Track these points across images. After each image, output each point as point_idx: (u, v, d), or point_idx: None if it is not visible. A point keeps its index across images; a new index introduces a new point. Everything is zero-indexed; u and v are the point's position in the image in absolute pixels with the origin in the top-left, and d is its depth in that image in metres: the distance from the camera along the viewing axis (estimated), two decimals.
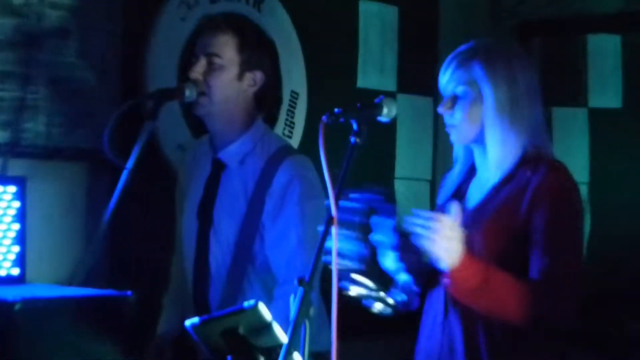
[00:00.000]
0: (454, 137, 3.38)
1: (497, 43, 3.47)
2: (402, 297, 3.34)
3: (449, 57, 3.38)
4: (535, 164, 3.31)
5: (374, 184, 3.51)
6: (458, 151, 3.49)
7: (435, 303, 3.39)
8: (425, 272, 3.33)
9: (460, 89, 3.32)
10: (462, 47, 3.39)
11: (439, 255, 3.14)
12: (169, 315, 3.92)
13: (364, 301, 3.30)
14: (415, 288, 3.35)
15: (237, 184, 3.76)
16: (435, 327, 3.39)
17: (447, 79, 3.35)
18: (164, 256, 4.02)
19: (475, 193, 3.43)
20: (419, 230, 3.14)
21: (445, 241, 3.12)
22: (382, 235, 3.25)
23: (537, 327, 3.28)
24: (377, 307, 3.30)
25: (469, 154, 3.46)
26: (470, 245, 3.20)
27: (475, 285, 3.17)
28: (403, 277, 3.34)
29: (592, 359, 4.08)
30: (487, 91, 3.27)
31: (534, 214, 3.25)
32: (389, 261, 3.29)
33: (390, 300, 3.31)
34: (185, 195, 3.91)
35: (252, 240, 3.70)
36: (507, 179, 3.33)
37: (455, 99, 3.33)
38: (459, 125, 3.33)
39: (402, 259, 3.27)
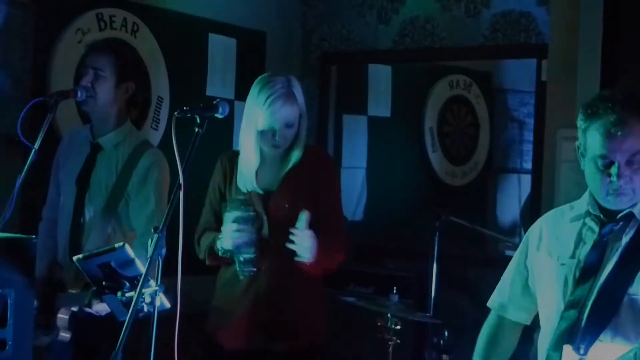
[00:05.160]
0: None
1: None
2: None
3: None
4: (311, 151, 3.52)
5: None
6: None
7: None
8: None
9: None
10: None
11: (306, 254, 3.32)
12: (43, 260, 3.65)
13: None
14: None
15: (111, 162, 3.68)
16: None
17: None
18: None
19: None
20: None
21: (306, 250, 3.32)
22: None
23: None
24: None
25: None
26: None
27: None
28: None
29: (363, 290, 4.15)
30: None
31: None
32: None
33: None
34: (62, 168, 3.77)
35: (118, 203, 3.63)
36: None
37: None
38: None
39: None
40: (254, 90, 3.47)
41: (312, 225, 3.36)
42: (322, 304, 3.60)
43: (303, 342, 3.49)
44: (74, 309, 3.48)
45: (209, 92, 5.09)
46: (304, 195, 3.44)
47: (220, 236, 3.44)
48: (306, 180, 3.46)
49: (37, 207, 3.88)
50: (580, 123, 2.61)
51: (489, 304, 2.94)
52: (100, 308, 3.37)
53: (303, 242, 3.32)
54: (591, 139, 2.56)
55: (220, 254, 3.45)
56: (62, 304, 3.55)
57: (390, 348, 4.00)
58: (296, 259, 3.36)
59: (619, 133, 2.50)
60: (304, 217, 3.32)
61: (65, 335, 3.51)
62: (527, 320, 2.89)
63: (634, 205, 2.60)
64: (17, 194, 3.52)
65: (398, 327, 3.98)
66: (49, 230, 3.77)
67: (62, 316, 3.51)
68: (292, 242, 3.37)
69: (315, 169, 3.47)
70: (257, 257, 3.40)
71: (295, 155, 3.47)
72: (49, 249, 3.73)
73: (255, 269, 3.42)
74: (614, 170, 2.53)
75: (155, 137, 4.66)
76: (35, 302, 3.43)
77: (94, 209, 3.67)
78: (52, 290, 3.63)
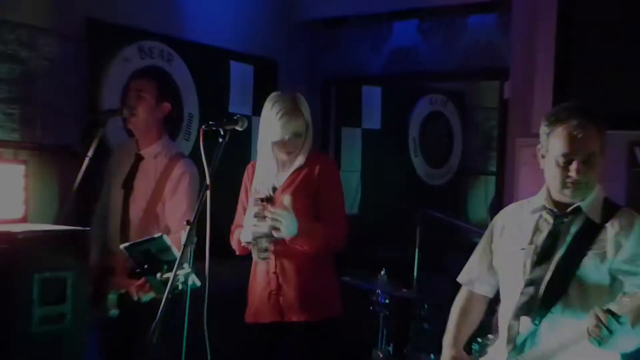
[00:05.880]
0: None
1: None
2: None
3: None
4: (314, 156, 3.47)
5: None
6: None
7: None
8: None
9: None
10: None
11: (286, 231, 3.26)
12: (95, 248, 3.69)
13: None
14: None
15: (150, 170, 3.70)
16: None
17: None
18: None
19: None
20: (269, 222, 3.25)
21: (284, 225, 3.25)
22: None
23: (330, 249, 3.42)
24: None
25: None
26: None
27: (304, 234, 3.29)
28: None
29: (358, 272, 4.15)
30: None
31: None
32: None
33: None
34: (113, 173, 3.79)
35: (156, 205, 3.64)
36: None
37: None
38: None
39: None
40: (267, 106, 3.43)
41: (316, 217, 3.33)
42: (334, 282, 3.52)
43: (317, 317, 3.41)
44: (122, 291, 3.49)
45: (231, 109, 5.06)
46: (302, 191, 3.39)
47: (243, 230, 3.42)
48: (306, 178, 3.41)
49: (90, 205, 3.88)
50: (543, 129, 2.62)
51: (459, 279, 2.95)
52: (142, 296, 3.39)
53: (282, 220, 3.25)
54: (554, 141, 2.56)
55: (243, 244, 3.43)
56: (111, 286, 3.57)
57: (381, 318, 4.01)
58: (276, 234, 3.28)
59: (580, 135, 2.52)
60: (287, 199, 3.28)
61: (114, 311, 3.53)
62: (491, 294, 2.90)
63: (582, 200, 2.62)
64: (75, 194, 3.54)
65: (387, 301, 3.98)
66: (100, 223, 3.78)
67: (112, 296, 3.53)
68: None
69: (316, 169, 3.42)
70: (271, 245, 3.38)
71: (300, 159, 3.44)
72: (100, 239, 3.73)
73: (269, 254, 3.39)
74: (573, 166, 2.54)
75: (187, 147, 4.64)
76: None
77: (137, 209, 3.66)
78: (103, 274, 3.64)
